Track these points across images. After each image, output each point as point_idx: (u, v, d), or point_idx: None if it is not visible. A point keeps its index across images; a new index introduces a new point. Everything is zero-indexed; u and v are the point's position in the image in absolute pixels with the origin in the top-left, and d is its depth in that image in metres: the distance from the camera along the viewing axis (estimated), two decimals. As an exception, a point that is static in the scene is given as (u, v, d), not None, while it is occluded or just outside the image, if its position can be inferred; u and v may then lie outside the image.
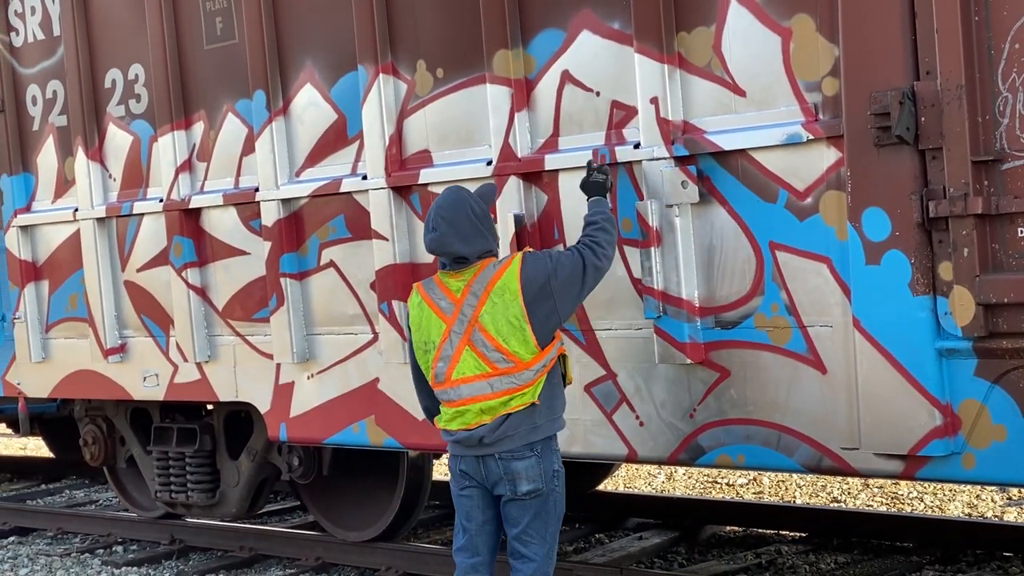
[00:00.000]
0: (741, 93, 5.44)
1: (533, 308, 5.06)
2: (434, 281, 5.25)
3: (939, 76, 4.86)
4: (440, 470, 11.13)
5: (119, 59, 7.81)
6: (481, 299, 5.08)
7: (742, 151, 5.44)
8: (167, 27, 7.44)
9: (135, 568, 8.46)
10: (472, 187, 6.23)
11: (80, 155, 8.01)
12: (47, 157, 8.32)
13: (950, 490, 9.07)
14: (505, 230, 6.11)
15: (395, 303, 6.60)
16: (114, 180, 7.95)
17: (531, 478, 5.11)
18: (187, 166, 7.51)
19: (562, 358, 5.22)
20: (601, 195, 5.50)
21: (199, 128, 7.45)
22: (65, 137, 8.15)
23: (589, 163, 5.61)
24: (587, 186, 5.55)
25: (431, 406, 5.39)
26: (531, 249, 5.44)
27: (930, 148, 4.91)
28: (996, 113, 4.82)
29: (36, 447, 13.51)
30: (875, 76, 4.99)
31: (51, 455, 12.26)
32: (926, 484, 9.12)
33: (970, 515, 8.50)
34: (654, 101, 5.62)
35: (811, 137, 5.23)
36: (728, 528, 8.29)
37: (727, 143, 5.46)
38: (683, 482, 10.14)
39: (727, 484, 9.89)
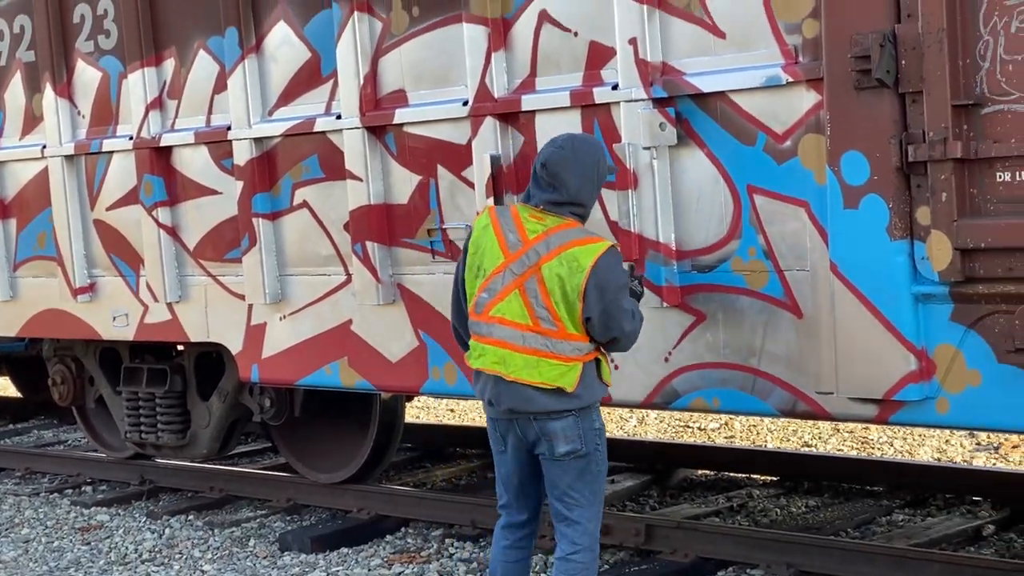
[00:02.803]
0: (721, 35, 5.39)
1: (590, 292, 4.74)
2: (510, 211, 4.92)
3: (920, 19, 4.82)
4: (411, 413, 11.15)
5: (88, -6, 7.69)
6: (553, 252, 4.77)
7: (721, 93, 5.39)
8: (137, -39, 7.33)
9: (104, 508, 8.43)
10: (448, 128, 6.23)
11: (48, 91, 7.89)
12: (14, 93, 8.19)
13: (920, 435, 9.13)
14: (481, 171, 6.06)
15: (369, 244, 6.55)
16: (83, 117, 7.85)
17: (569, 438, 4.83)
18: (157, 103, 7.41)
19: (598, 361, 4.90)
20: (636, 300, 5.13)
21: (170, 65, 7.34)
22: (33, 73, 8.03)
23: (631, 267, 5.25)
24: None
25: (460, 327, 5.10)
26: (619, 248, 5.01)
27: (910, 92, 4.88)
28: (977, 57, 4.79)
29: (3, 386, 13.43)
30: (856, 18, 4.94)
31: (19, 395, 12.19)
32: (896, 429, 9.18)
33: (939, 460, 8.57)
34: (632, 42, 5.56)
35: (791, 80, 5.19)
36: (700, 472, 8.32)
37: (706, 85, 5.41)
38: (655, 426, 10.17)
39: (699, 428, 9.92)
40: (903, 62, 4.87)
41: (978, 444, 8.84)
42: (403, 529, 7.50)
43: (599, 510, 4.98)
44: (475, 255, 4.94)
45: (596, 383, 4.90)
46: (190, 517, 8.13)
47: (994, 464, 8.38)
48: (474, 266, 4.94)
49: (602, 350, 4.94)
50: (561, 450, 4.85)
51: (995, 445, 8.74)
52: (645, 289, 5.50)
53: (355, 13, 6.45)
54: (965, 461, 8.49)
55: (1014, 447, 8.67)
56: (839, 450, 8.96)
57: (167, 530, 7.87)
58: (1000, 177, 4.78)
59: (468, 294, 4.98)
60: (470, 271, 4.96)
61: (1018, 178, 4.74)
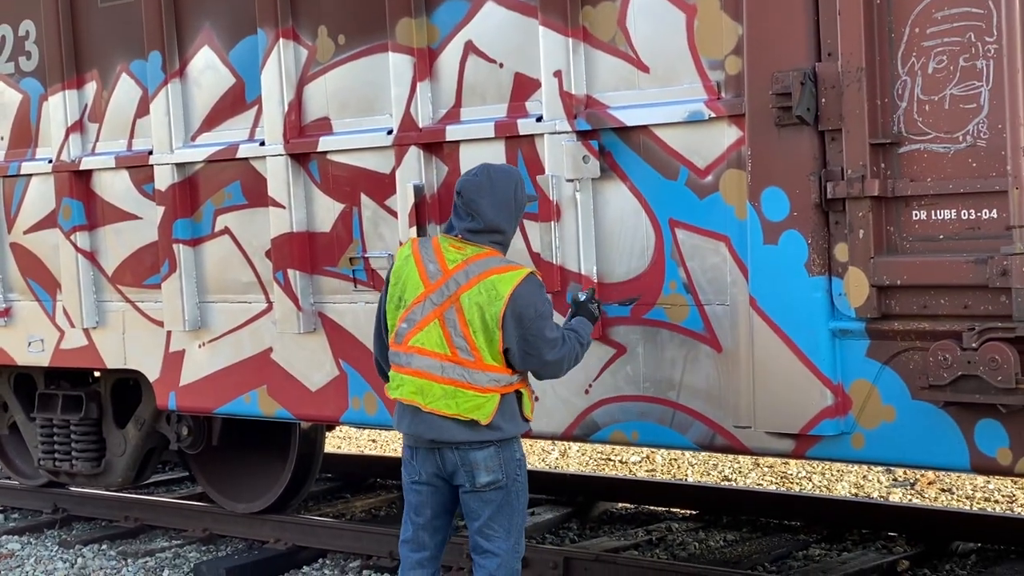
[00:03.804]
0: (645, 69, 5.43)
1: (508, 321, 4.72)
2: (431, 242, 4.91)
3: (840, 58, 4.88)
4: (332, 443, 11.06)
5: (9, 15, 7.59)
6: (471, 281, 4.75)
7: (644, 127, 5.42)
8: (60, -17, 7.25)
9: (16, 537, 8.27)
10: (372, 157, 6.21)
11: (-34, 112, 7.78)
12: (-68, 113, 8.07)
13: (838, 470, 9.20)
14: (404, 200, 6.05)
15: (290, 272, 6.50)
16: (1, 139, 7.73)
17: (490, 468, 4.79)
18: (78, 127, 7.33)
19: (519, 394, 4.86)
20: (590, 322, 5.17)
21: (91, 88, 7.26)
22: (-49, 93, 7.91)
23: (591, 291, 5.29)
24: (580, 309, 5.19)
25: (381, 358, 5.05)
26: (540, 276, 4.97)
27: (829, 129, 4.94)
28: (895, 96, 4.86)
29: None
30: (777, 56, 5.00)
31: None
32: (815, 464, 9.25)
33: (856, 495, 8.64)
34: (557, 74, 5.58)
35: (713, 115, 5.23)
36: (620, 505, 8.32)
37: (629, 119, 5.45)
38: (576, 459, 10.17)
39: (620, 461, 9.94)
40: (823, 100, 4.93)
41: (895, 480, 8.93)
42: (320, 560, 7.43)
43: (519, 542, 4.93)
44: (396, 286, 4.91)
45: (517, 416, 4.87)
46: (103, 547, 8.00)
47: (910, 500, 8.46)
48: (395, 297, 4.91)
49: (526, 382, 4.91)
50: (481, 480, 4.81)
51: (911, 481, 8.84)
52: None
53: (281, 40, 6.43)
54: (882, 497, 8.57)
55: (930, 483, 8.76)
56: (759, 484, 9.01)
57: (79, 560, 7.73)
58: (916, 215, 4.85)
59: (389, 325, 4.95)
60: (391, 302, 4.93)
61: (933, 216, 4.81)
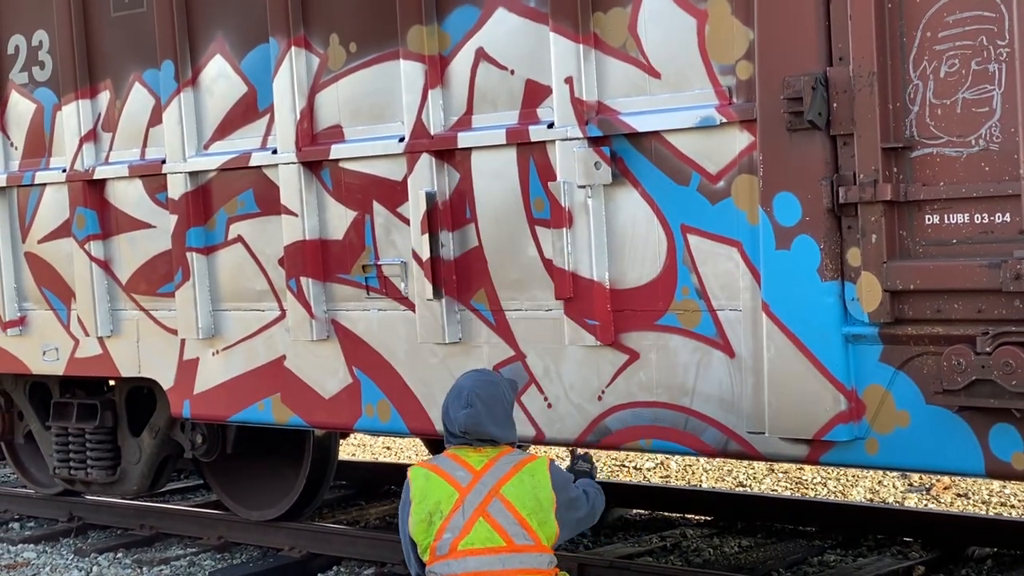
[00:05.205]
0: (656, 75, 5.42)
1: (560, 509, 4.67)
2: (445, 455, 4.79)
3: (852, 62, 4.87)
4: (347, 450, 11.07)
5: (23, 25, 7.62)
6: (508, 473, 4.66)
7: (656, 133, 5.42)
8: (73, -7, 7.28)
9: (32, 545, 8.29)
10: (384, 164, 6.21)
11: (-20, 122, 7.81)
12: (-54, 124, 8.10)
13: (853, 475, 9.18)
14: (416, 207, 6.05)
15: (303, 279, 6.51)
16: (16, 149, 7.76)
17: None
18: (92, 136, 7.35)
19: None
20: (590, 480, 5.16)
21: (105, 97, 7.29)
22: (-35, 103, 7.94)
23: (573, 451, 5.33)
24: (576, 475, 5.13)
25: None
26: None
27: (841, 134, 4.93)
28: (907, 101, 4.85)
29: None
30: (789, 61, 4.99)
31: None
32: (830, 469, 9.23)
33: (872, 500, 8.61)
34: (568, 81, 5.58)
35: (724, 120, 5.22)
36: (634, 511, 8.31)
37: (641, 125, 5.44)
38: (590, 465, 10.14)
39: (635, 468, 9.92)
40: (835, 105, 4.92)
41: (910, 485, 8.90)
42: (335, 568, 7.43)
43: None
44: (422, 503, 4.68)
45: None
46: (119, 555, 8.01)
47: (926, 505, 8.44)
48: (424, 513, 4.67)
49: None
50: None
51: (927, 486, 8.81)
52: (580, 328, 5.52)
53: (292, 48, 6.44)
54: (897, 502, 8.54)
55: (945, 488, 8.73)
56: (773, 490, 8.99)
57: (95, 568, 7.74)
58: (929, 220, 4.83)
59: (422, 546, 4.70)
60: (421, 523, 4.67)
61: (946, 221, 4.79)
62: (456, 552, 4.60)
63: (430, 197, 6.03)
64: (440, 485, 4.68)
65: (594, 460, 5.33)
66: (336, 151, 6.37)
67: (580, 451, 5.38)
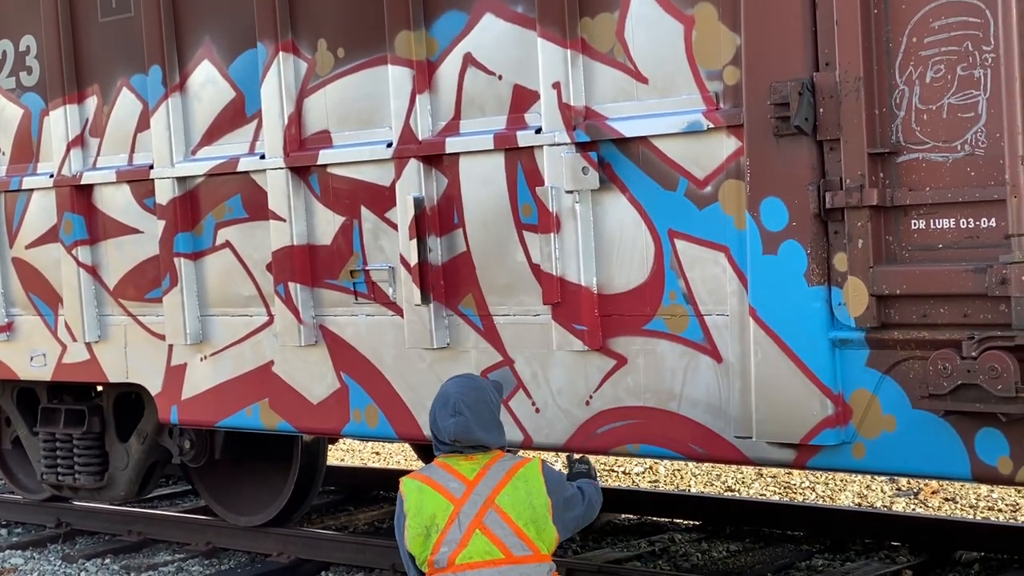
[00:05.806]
0: (643, 80, 5.44)
1: (555, 509, 4.63)
2: (436, 465, 4.76)
3: (838, 68, 4.89)
4: (335, 455, 11.06)
5: (10, 30, 7.62)
6: (502, 481, 4.62)
7: (643, 138, 5.43)
8: (61, -2, 7.28)
9: (19, 551, 8.27)
10: (372, 170, 6.21)
11: (-32, 127, 7.80)
12: (-66, 129, 8.09)
13: (841, 480, 9.19)
14: (404, 212, 6.05)
15: (291, 285, 6.51)
16: (3, 154, 7.76)
17: None
18: (79, 141, 7.34)
19: None
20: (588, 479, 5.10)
21: (92, 103, 7.28)
22: (-47, 109, 7.93)
23: (569, 457, 5.30)
24: (574, 477, 5.08)
25: None
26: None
27: (828, 139, 4.94)
28: (893, 106, 4.86)
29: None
30: (775, 66, 5.01)
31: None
32: (818, 474, 9.24)
33: (860, 504, 8.62)
34: (556, 86, 5.59)
35: (711, 126, 5.24)
36: (623, 516, 8.31)
37: (628, 130, 5.45)
38: (579, 470, 10.14)
39: (623, 472, 9.93)
40: (821, 110, 4.93)
41: (898, 489, 8.92)
42: (323, 573, 7.42)
43: None
44: (417, 516, 4.65)
45: None
46: (106, 561, 7.99)
47: (914, 509, 8.45)
48: (420, 527, 4.64)
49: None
50: None
51: (915, 491, 8.82)
52: (568, 333, 5.52)
53: (280, 53, 6.44)
54: (885, 506, 8.56)
55: (933, 492, 8.75)
56: (761, 495, 9.00)
57: (83, 574, 7.73)
58: (915, 225, 4.85)
59: (420, 559, 4.67)
60: (417, 536, 4.65)
61: (932, 226, 4.81)
62: (455, 566, 4.57)
63: (418, 202, 6.03)
64: (434, 498, 4.64)
65: (591, 462, 5.31)
66: (324, 156, 6.37)
67: (576, 455, 5.35)
